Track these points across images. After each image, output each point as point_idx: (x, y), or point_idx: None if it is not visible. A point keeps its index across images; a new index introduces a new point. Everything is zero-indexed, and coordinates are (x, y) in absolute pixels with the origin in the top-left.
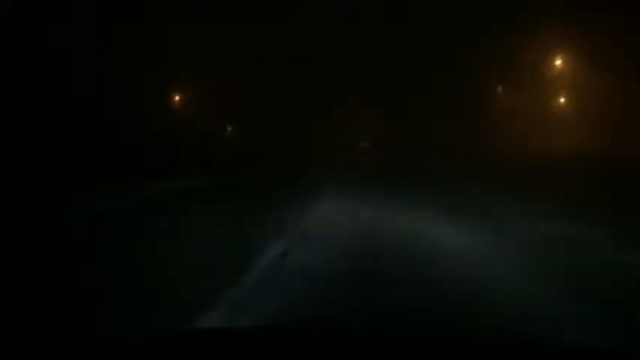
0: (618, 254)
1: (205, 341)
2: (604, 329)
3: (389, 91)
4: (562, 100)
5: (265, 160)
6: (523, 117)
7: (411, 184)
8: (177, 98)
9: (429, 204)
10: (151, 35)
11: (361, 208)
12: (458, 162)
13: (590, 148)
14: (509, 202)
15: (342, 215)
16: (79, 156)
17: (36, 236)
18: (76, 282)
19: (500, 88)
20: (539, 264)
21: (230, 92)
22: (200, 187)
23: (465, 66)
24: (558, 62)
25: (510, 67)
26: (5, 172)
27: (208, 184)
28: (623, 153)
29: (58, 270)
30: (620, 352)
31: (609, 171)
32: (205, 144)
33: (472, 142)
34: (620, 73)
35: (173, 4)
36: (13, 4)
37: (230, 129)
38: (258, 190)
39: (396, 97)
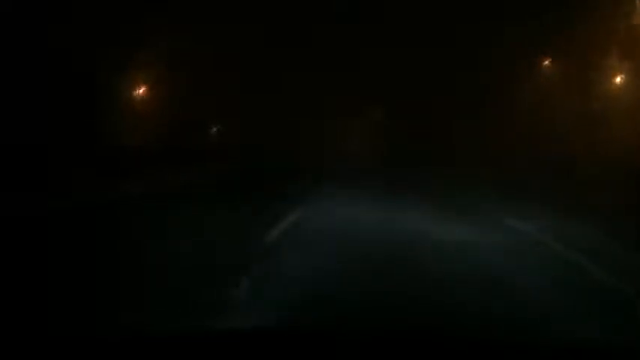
0: None
1: (205, 342)
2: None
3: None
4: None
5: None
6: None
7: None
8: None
9: None
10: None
11: None
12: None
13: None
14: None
15: None
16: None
17: (34, 233)
18: (77, 281)
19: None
20: None
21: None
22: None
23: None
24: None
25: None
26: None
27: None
28: None
29: (57, 269)
30: (621, 352)
31: None
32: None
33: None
34: None
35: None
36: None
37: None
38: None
39: (400, 96)
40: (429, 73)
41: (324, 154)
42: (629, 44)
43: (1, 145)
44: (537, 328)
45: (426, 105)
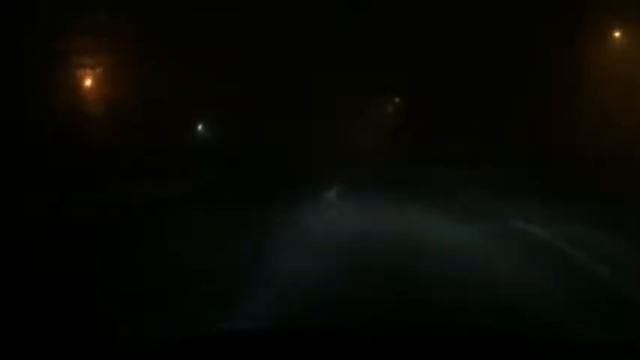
0: None
1: (205, 345)
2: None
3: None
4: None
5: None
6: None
7: None
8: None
9: None
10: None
11: None
12: None
13: None
14: None
15: None
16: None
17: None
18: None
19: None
20: None
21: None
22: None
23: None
24: None
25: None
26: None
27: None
28: None
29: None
30: (621, 351)
31: None
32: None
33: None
34: None
35: None
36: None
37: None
38: None
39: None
40: (439, 70)
41: (328, 153)
42: None
43: None
44: (538, 328)
45: (438, 103)
